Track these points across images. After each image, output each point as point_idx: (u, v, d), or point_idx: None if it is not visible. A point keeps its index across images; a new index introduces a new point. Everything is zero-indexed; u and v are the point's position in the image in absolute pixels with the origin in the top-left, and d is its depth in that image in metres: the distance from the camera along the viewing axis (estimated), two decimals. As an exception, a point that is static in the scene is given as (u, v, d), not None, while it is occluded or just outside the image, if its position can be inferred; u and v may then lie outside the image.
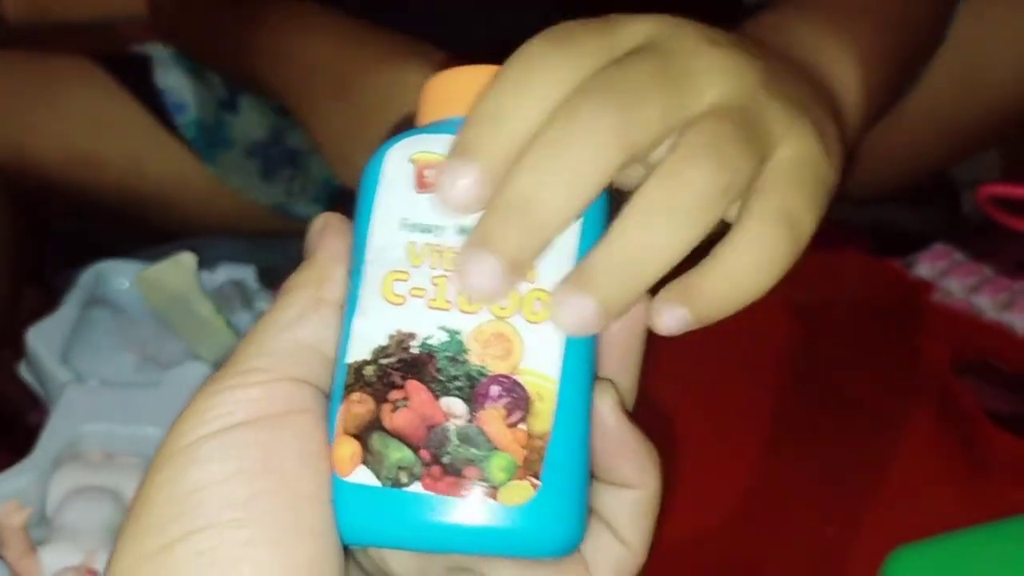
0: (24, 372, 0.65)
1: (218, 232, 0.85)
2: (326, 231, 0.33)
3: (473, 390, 0.30)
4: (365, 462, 0.30)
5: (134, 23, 1.43)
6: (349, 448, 0.30)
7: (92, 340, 0.65)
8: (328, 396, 0.31)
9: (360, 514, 0.30)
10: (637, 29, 0.33)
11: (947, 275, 0.79)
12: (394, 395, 0.30)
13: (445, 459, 0.29)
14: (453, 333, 0.30)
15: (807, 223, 0.33)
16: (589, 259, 0.30)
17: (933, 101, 0.82)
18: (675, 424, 0.66)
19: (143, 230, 0.88)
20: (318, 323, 0.31)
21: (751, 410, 0.67)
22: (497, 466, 0.29)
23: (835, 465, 0.63)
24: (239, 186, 0.84)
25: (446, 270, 0.30)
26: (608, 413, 0.32)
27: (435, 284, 0.30)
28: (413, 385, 0.30)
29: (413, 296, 0.30)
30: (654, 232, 0.30)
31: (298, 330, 0.31)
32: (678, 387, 0.69)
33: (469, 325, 0.30)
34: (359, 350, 0.30)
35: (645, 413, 0.36)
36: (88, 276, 0.68)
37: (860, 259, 0.78)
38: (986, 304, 0.76)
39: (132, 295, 0.69)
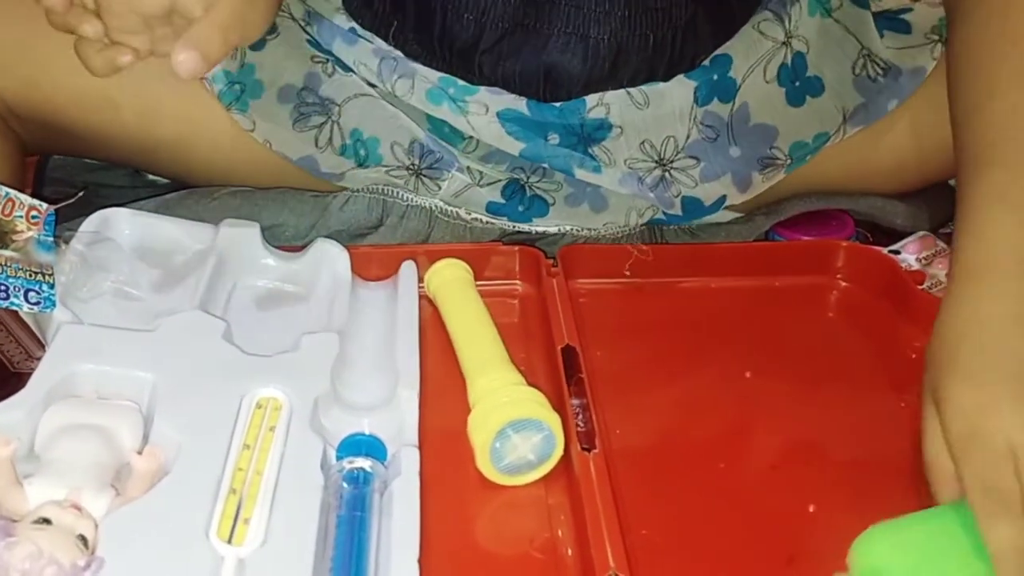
0: (25, 315, 0.64)
1: (226, 185, 0.80)
2: None
3: None
4: None
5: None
6: None
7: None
8: None
9: None
10: None
11: (933, 263, 0.79)
12: None
13: None
14: None
15: None
16: None
17: (913, 123, 0.84)
18: (660, 401, 0.67)
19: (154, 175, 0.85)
20: None
21: (733, 390, 0.68)
22: None
23: (816, 445, 0.64)
24: (267, 136, 0.79)
25: None
26: None
27: None
28: None
29: None
30: None
31: None
32: (661, 370, 0.70)
33: None
34: None
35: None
36: (90, 222, 0.68)
37: (848, 246, 0.78)
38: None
39: (131, 242, 0.69)
